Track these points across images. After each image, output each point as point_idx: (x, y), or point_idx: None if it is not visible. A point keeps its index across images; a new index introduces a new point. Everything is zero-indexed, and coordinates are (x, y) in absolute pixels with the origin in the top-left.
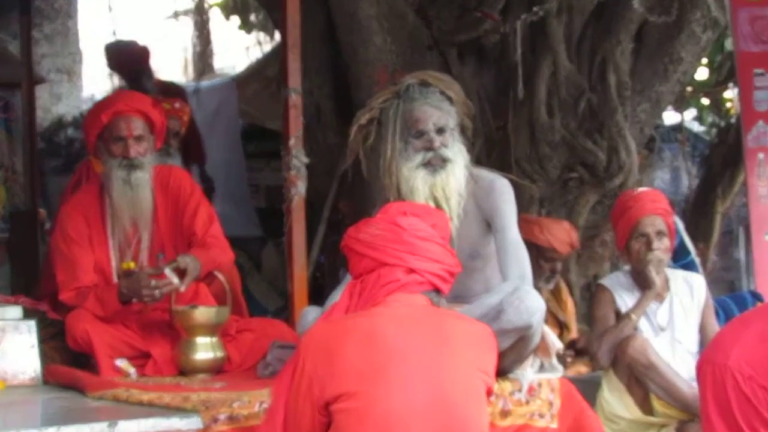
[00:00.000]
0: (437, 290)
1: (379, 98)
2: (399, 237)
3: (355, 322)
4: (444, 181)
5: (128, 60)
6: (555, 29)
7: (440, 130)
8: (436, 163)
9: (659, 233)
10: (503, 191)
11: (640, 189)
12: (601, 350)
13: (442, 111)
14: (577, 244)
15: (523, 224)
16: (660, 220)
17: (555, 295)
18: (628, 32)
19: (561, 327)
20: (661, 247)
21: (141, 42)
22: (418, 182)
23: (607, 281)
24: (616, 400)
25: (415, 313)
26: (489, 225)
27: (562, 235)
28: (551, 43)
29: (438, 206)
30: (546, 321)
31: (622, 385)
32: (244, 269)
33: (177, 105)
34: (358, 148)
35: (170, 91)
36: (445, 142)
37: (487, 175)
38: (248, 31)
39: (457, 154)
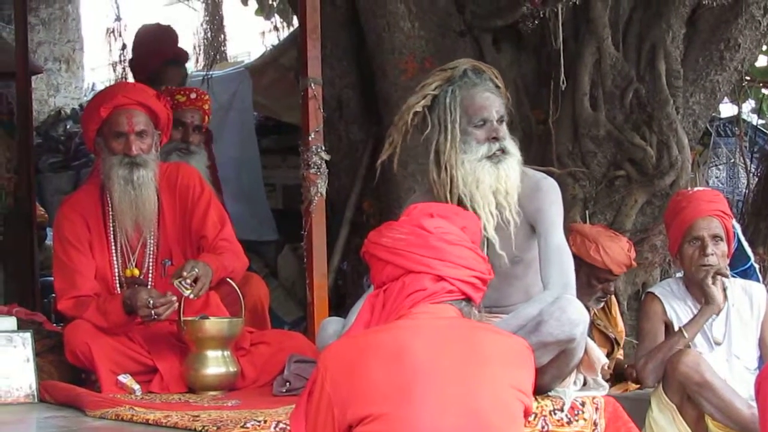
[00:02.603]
0: (468, 299)
1: (432, 84)
2: (425, 241)
3: (379, 337)
4: (506, 174)
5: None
6: (600, 13)
7: (501, 120)
8: (499, 155)
9: (715, 237)
10: (550, 191)
11: (697, 188)
12: (646, 368)
13: (501, 99)
14: (634, 263)
15: (577, 239)
16: (717, 222)
17: (604, 310)
18: (680, 16)
19: (612, 344)
20: (717, 252)
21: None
22: (484, 175)
23: (657, 289)
24: (666, 420)
25: (444, 326)
26: (532, 228)
27: (620, 256)
28: (596, 29)
29: (498, 202)
30: (593, 338)
31: (673, 404)
32: None
33: (193, 95)
34: (399, 139)
35: None
36: (505, 133)
37: (533, 173)
38: (267, 17)
39: (514, 146)
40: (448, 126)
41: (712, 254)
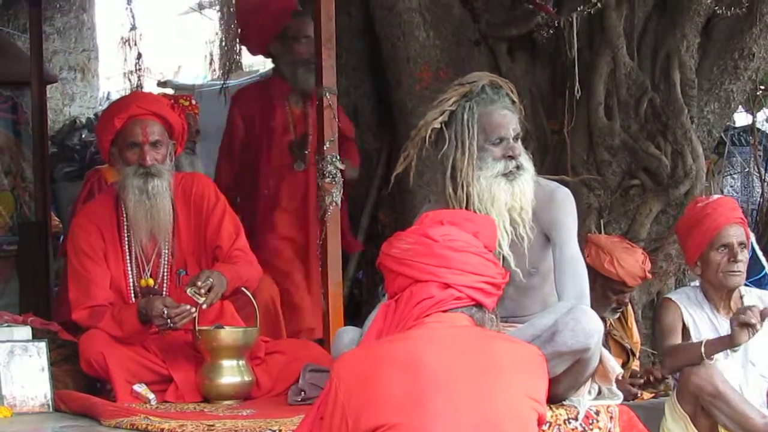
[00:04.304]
0: (479, 305)
1: (450, 99)
2: (430, 250)
3: (392, 347)
4: (521, 190)
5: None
6: (614, 22)
7: (517, 137)
8: (514, 172)
9: (741, 244)
10: (564, 202)
11: (715, 196)
12: (665, 365)
13: (517, 116)
14: (649, 276)
15: (592, 250)
16: (741, 229)
17: (621, 321)
18: (695, 25)
19: (627, 354)
20: (743, 260)
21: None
22: (499, 192)
23: (674, 296)
24: (680, 429)
25: (456, 335)
26: (547, 238)
27: (634, 269)
28: (610, 38)
29: (513, 219)
30: (609, 349)
31: (686, 414)
32: None
33: (194, 101)
34: (414, 154)
35: None
36: (520, 149)
37: (546, 183)
38: None
39: (529, 162)
40: (466, 142)
41: (741, 261)
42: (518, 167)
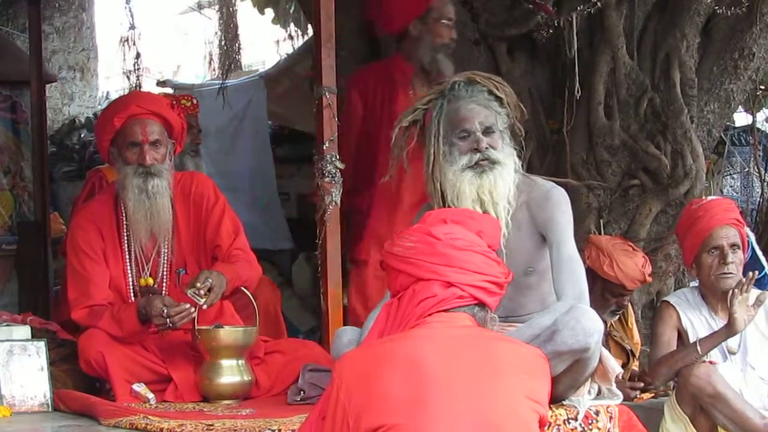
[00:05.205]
0: (481, 304)
1: (424, 98)
2: (433, 248)
3: (393, 347)
4: (492, 184)
5: None
6: (614, 22)
7: (488, 131)
8: (483, 164)
9: (733, 246)
10: (560, 201)
11: (711, 197)
12: (657, 374)
13: (489, 110)
14: (649, 279)
15: (593, 252)
16: (734, 231)
17: (621, 322)
18: (695, 25)
19: (628, 355)
20: (735, 261)
21: None
22: (464, 185)
23: (672, 298)
24: (679, 430)
25: (458, 336)
26: (544, 238)
27: (634, 272)
28: (610, 38)
29: (485, 212)
30: (609, 350)
31: (686, 415)
32: None
33: (195, 101)
34: (401, 155)
35: None
36: (494, 143)
37: (542, 183)
38: (283, 26)
39: (507, 157)
40: (436, 138)
41: (732, 263)
42: (487, 159)
